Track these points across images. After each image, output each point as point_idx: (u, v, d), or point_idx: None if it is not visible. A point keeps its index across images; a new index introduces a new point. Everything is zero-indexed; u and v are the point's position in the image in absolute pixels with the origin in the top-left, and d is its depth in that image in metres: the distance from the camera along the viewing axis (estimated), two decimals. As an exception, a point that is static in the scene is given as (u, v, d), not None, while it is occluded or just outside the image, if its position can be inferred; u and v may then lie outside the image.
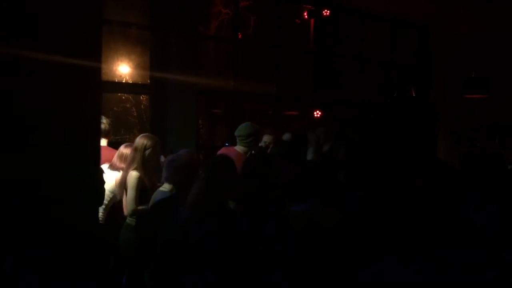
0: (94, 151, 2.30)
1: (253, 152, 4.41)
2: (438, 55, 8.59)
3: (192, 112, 5.71)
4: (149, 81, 5.73)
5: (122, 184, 3.86)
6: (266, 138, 4.91)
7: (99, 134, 2.73)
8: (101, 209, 3.91)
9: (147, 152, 3.84)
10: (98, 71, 2.16)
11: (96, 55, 2.11)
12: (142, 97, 6.80)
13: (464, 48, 8.16)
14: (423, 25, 8.61)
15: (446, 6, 7.49)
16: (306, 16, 7.37)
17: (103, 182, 3.44)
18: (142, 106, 6.95)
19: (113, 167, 4.03)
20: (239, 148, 4.47)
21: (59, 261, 2.07)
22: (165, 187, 3.49)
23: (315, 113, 7.15)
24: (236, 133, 4.54)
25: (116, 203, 4.10)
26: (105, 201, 3.96)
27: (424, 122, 8.07)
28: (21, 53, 1.86)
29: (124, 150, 4.05)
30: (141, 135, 3.99)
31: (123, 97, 6.92)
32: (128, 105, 7.02)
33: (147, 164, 3.84)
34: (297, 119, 8.02)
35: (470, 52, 8.08)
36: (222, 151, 4.54)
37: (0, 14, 1.84)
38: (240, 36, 6.83)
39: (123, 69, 6.23)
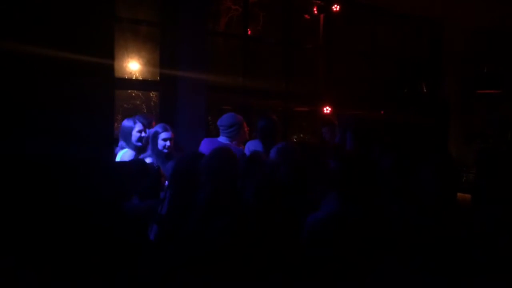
0: (109, 146, 2.31)
1: (234, 142, 4.31)
2: (450, 50, 8.49)
3: (201, 108, 5.73)
4: (158, 78, 5.75)
5: None
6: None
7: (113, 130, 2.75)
8: None
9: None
10: (111, 68, 2.18)
11: (109, 52, 2.13)
12: (152, 93, 6.83)
13: (476, 43, 8.06)
14: (434, 20, 8.51)
15: (457, 1, 7.40)
16: (315, 12, 7.32)
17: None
18: (151, 103, 6.98)
19: None
20: (222, 139, 4.39)
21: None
22: None
23: (324, 109, 7.12)
24: (218, 123, 4.46)
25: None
26: None
27: (436, 118, 8.00)
28: (36, 51, 1.88)
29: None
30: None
31: (133, 94, 6.96)
32: (138, 102, 7.05)
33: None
34: (307, 115, 8.00)
35: (482, 48, 7.98)
36: (205, 143, 4.41)
37: (17, 15, 1.86)
38: (249, 32, 6.81)
39: (133, 66, 6.27)
